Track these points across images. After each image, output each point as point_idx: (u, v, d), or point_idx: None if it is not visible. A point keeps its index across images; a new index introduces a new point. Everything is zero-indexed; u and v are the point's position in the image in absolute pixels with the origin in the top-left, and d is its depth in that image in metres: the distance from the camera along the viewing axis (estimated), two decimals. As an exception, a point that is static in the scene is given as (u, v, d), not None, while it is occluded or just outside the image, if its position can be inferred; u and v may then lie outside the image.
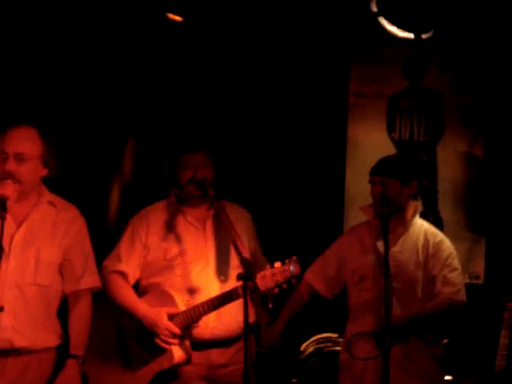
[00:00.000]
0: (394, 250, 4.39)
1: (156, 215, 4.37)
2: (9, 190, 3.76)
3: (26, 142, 3.85)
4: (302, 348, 5.48)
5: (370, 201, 4.52)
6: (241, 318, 4.02)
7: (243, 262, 3.84)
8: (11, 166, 3.81)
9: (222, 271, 4.31)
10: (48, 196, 3.98)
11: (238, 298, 4.06)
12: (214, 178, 4.33)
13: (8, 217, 3.74)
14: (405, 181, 4.39)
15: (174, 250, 4.30)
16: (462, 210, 6.00)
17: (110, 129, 5.60)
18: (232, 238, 4.04)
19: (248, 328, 3.78)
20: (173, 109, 5.74)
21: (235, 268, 4.23)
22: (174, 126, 5.64)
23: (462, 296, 4.42)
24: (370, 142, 6.00)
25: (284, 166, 5.89)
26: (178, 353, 4.17)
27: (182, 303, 4.20)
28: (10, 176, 3.81)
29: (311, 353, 5.44)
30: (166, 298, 4.21)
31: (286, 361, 5.45)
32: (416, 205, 4.52)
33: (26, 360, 3.86)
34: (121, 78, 5.63)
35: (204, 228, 4.36)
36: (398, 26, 5.77)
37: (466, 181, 6.02)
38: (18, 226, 3.87)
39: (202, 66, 5.78)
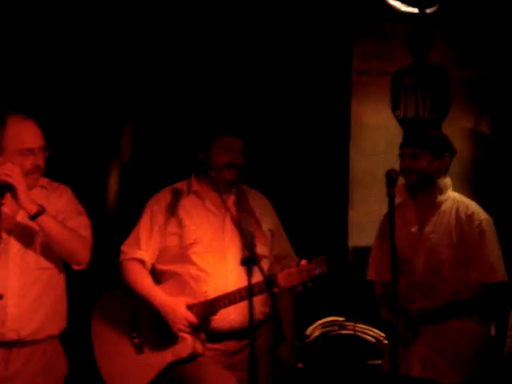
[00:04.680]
0: (427, 229, 4.26)
1: (174, 199, 4.32)
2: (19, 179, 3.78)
3: (39, 134, 3.91)
4: (307, 332, 5.45)
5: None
6: (258, 309, 4.19)
7: (247, 245, 3.82)
8: (41, 160, 3.89)
9: (239, 261, 4.22)
10: (40, 180, 4.02)
11: (261, 292, 4.05)
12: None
13: (5, 204, 3.74)
14: (436, 153, 4.24)
15: (191, 237, 4.26)
16: (468, 188, 5.94)
17: (109, 114, 5.57)
18: (252, 225, 4.07)
19: (252, 313, 3.77)
20: (171, 95, 5.69)
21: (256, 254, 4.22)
22: (172, 112, 5.62)
23: (498, 276, 4.20)
24: (374, 121, 5.97)
25: (287, 147, 5.84)
26: (194, 343, 4.17)
27: (200, 294, 4.19)
28: (40, 170, 3.89)
29: (317, 337, 5.41)
30: (185, 288, 4.20)
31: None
32: (447, 179, 4.34)
33: (29, 351, 3.90)
34: (120, 62, 5.59)
35: (224, 216, 4.31)
36: (402, 1, 5.74)
37: (473, 158, 6.00)
38: (15, 213, 3.87)
39: (203, 49, 5.72)
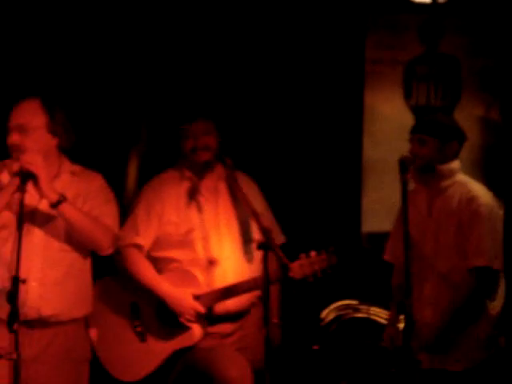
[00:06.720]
0: (434, 214, 4.23)
1: (169, 187, 4.34)
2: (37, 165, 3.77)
3: (26, 114, 3.88)
4: (322, 315, 5.52)
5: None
6: (253, 293, 4.21)
7: (263, 231, 3.81)
8: (13, 138, 3.86)
9: (238, 243, 4.32)
10: (69, 166, 4.02)
11: (277, 281, 4.09)
12: (219, 143, 4.32)
13: (31, 188, 3.76)
14: (444, 140, 4.20)
15: (188, 224, 4.28)
16: (479, 174, 5.94)
17: (129, 105, 5.64)
18: (250, 208, 4.06)
19: (267, 298, 3.74)
20: (187, 80, 5.73)
21: (252, 239, 4.26)
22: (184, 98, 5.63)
23: (482, 261, 4.06)
24: (387, 109, 6.03)
25: (303, 136, 5.89)
26: (198, 331, 4.23)
27: (202, 282, 4.23)
28: (15, 149, 3.84)
29: (332, 320, 5.48)
30: (189, 278, 4.24)
31: (306, 328, 5.50)
32: (455, 164, 4.26)
33: (52, 332, 3.89)
34: (138, 58, 5.68)
35: (217, 200, 4.35)
36: (414, -9, 5.75)
37: (483, 145, 6.03)
38: (41, 197, 3.86)
39: (214, 41, 5.78)
